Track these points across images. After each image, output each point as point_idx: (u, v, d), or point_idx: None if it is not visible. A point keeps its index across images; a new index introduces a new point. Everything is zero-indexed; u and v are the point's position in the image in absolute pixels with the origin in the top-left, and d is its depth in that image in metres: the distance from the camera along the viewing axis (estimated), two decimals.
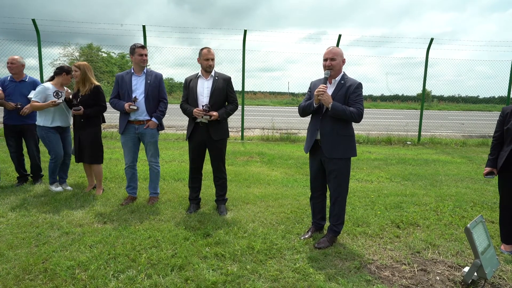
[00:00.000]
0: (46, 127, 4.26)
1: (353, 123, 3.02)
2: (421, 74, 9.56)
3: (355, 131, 3.11)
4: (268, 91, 31.03)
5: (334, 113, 2.84)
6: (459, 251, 2.98)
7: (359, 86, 2.89)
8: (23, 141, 4.79)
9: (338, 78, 2.95)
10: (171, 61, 16.72)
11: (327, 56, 2.89)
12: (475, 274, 2.36)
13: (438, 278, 2.56)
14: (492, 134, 3.22)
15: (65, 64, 6.11)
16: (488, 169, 3.07)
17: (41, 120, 4.28)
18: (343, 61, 2.94)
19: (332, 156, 2.93)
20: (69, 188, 4.54)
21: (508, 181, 2.96)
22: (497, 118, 3.10)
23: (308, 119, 3.18)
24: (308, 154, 3.19)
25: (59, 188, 4.45)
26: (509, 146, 2.90)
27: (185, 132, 3.93)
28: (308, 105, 2.99)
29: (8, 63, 4.52)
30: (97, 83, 4.21)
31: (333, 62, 2.87)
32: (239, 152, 7.47)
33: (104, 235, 3.10)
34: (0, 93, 4.39)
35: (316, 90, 2.84)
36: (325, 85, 2.84)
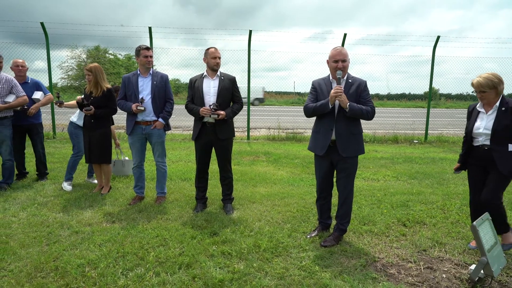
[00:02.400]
0: (76, 125, 4.62)
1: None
2: (427, 72, 9.50)
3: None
4: (274, 91, 31.05)
5: (352, 113, 2.86)
6: (465, 249, 2.97)
7: (366, 84, 2.98)
8: (26, 140, 5.02)
9: (345, 78, 2.98)
10: (177, 62, 16.85)
11: (338, 58, 2.89)
12: (482, 271, 2.35)
13: (444, 276, 2.56)
14: None
15: (73, 66, 6.36)
16: (458, 164, 3.14)
17: (74, 117, 4.69)
18: (349, 62, 2.98)
19: (347, 154, 2.95)
20: (95, 181, 4.83)
21: (470, 176, 3.07)
22: None
23: (313, 118, 3.18)
24: (313, 154, 3.19)
25: (70, 188, 4.55)
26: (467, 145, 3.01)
27: (191, 132, 3.96)
28: (323, 106, 2.92)
29: (18, 66, 4.71)
30: (109, 86, 4.29)
31: (344, 63, 2.90)
32: (245, 152, 7.51)
33: (113, 234, 3.15)
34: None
35: (332, 91, 2.83)
36: (340, 86, 2.86)
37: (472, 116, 3.00)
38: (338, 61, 2.88)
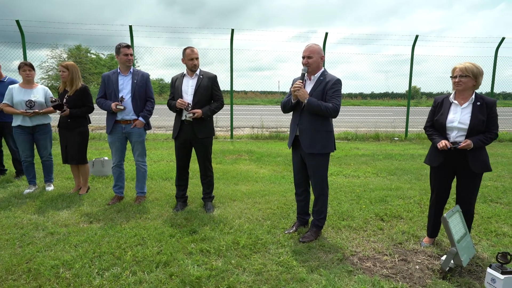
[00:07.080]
0: (13, 126, 4.33)
1: (334, 120, 3.06)
2: (409, 71, 9.70)
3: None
4: (259, 90, 31.05)
5: (309, 108, 2.89)
6: (439, 242, 3.06)
7: (336, 82, 2.90)
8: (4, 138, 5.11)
9: (317, 75, 2.98)
10: (161, 62, 16.68)
11: (304, 54, 2.94)
12: (452, 262, 2.42)
13: (417, 267, 2.63)
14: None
15: (54, 65, 6.20)
16: (443, 141, 2.69)
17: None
18: (322, 58, 2.96)
19: (311, 151, 2.97)
20: (49, 188, 4.49)
21: (442, 174, 2.92)
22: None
23: None
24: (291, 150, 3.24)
25: (27, 191, 4.38)
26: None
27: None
28: (287, 101, 3.06)
29: None
30: (83, 84, 4.20)
31: (309, 60, 2.91)
32: (228, 151, 7.50)
33: (90, 234, 3.10)
34: None
35: (293, 86, 2.91)
36: (301, 81, 2.90)
37: (442, 107, 2.78)
38: (304, 57, 2.94)
